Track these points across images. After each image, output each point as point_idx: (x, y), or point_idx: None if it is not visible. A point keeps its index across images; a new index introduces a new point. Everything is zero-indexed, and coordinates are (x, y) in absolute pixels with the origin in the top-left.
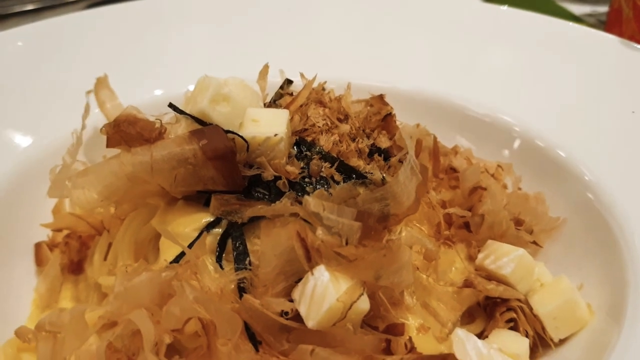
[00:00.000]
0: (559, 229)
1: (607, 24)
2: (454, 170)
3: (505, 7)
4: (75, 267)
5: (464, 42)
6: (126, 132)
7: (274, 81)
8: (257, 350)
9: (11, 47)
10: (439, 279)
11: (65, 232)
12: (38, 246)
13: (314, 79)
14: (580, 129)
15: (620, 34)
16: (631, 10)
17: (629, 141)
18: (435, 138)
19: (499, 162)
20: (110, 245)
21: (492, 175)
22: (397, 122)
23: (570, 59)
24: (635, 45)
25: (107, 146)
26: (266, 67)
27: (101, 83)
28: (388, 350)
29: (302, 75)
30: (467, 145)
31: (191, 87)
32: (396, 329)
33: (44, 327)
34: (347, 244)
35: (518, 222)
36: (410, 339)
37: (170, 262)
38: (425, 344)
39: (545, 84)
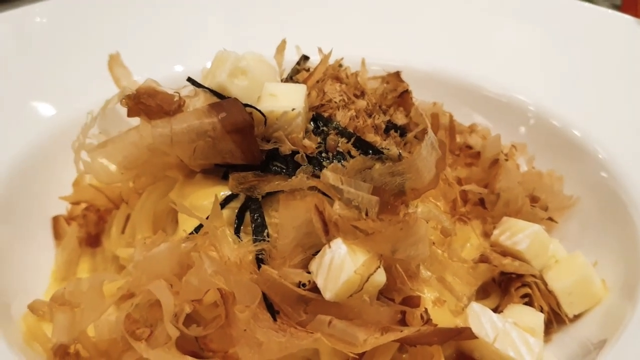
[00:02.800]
0: (573, 206)
1: (623, 6)
2: (469, 147)
3: None
4: (93, 240)
5: (480, 21)
6: (146, 104)
7: (290, 59)
8: (274, 319)
9: (36, 21)
10: (452, 256)
11: (83, 205)
12: (55, 220)
13: (330, 53)
14: (595, 108)
15: (636, 14)
16: None
17: None
18: (451, 116)
19: (513, 143)
20: (128, 218)
21: (506, 155)
22: (414, 100)
23: (586, 39)
24: None
25: (128, 116)
26: (283, 42)
27: (114, 60)
28: (404, 322)
29: (319, 49)
30: (484, 123)
31: (209, 64)
32: (412, 302)
33: (61, 299)
34: (366, 216)
35: (533, 199)
36: (426, 310)
37: (189, 234)
38: (441, 317)
39: (561, 64)
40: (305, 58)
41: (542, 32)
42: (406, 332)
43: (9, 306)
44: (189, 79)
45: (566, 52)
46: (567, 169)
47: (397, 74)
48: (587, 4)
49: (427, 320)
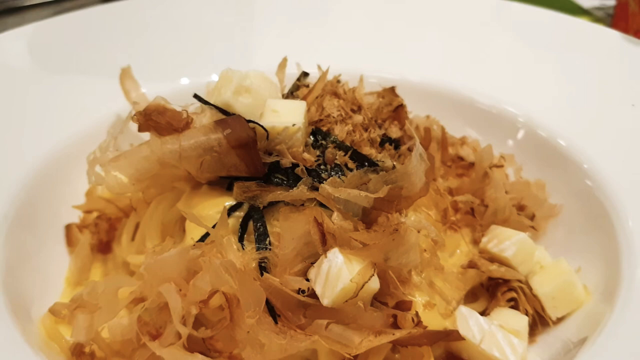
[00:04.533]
0: (558, 214)
1: (614, 18)
2: (461, 159)
3: (514, 2)
4: (104, 247)
5: (472, 35)
6: (156, 121)
7: (291, 73)
8: (276, 323)
9: (47, 36)
10: (439, 264)
11: (95, 214)
12: (68, 228)
13: (328, 71)
14: (581, 120)
15: (626, 28)
16: (637, 5)
17: (627, 133)
18: (443, 128)
19: (501, 153)
20: (137, 226)
21: (495, 166)
22: (408, 113)
23: (574, 53)
24: (637, 40)
25: (139, 131)
26: (284, 60)
27: (125, 73)
28: (396, 325)
29: (318, 67)
30: (474, 135)
31: (213, 77)
32: (404, 305)
33: (80, 300)
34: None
35: (520, 208)
36: (417, 314)
37: (197, 241)
38: (431, 320)
39: (549, 77)
40: (305, 74)
41: (532, 47)
42: (398, 334)
43: (28, 309)
44: (196, 96)
45: (555, 66)
46: (554, 178)
47: (392, 89)
48: (575, 18)
49: (418, 323)
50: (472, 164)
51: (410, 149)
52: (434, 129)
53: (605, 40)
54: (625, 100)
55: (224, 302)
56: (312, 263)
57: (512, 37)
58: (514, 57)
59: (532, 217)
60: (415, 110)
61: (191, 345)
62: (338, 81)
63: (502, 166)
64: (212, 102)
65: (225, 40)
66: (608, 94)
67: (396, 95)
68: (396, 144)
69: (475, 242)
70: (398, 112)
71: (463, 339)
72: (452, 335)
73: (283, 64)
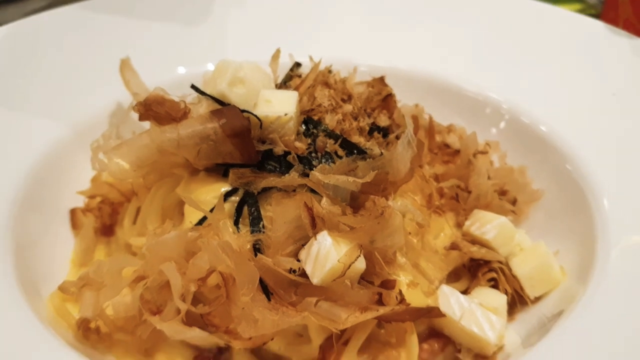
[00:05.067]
0: (539, 199)
1: (604, 7)
2: (447, 146)
3: None
4: (107, 230)
5: (459, 25)
6: (156, 111)
7: (285, 63)
8: (269, 300)
9: (47, 27)
10: (425, 248)
11: (99, 199)
12: (73, 212)
13: (319, 62)
14: (562, 107)
15: (616, 17)
16: None
17: (606, 120)
18: (430, 117)
19: (487, 141)
20: (138, 210)
21: (480, 152)
22: (397, 102)
23: (557, 43)
24: (619, 30)
25: (140, 120)
26: (278, 51)
27: (124, 64)
28: (381, 302)
29: (310, 57)
30: (460, 123)
31: (209, 66)
32: (389, 284)
33: (87, 278)
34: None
35: (502, 193)
36: (400, 292)
37: (195, 225)
38: (414, 298)
39: (533, 66)
40: (297, 65)
41: (515, 36)
42: (382, 310)
43: (37, 288)
44: (193, 87)
45: (539, 55)
46: (537, 163)
47: (381, 79)
48: (557, 8)
49: (401, 300)
50: (458, 151)
51: (398, 137)
52: (424, 118)
53: (588, 30)
54: (606, 89)
55: (221, 281)
56: (303, 245)
57: (498, 27)
58: (497, 45)
59: (514, 202)
60: (404, 99)
61: (190, 321)
62: (329, 71)
63: (486, 153)
64: (208, 92)
65: (220, 31)
66: (590, 83)
67: (385, 85)
68: (384, 132)
69: (459, 225)
70: (387, 101)
71: (444, 315)
72: (434, 312)
73: (276, 55)
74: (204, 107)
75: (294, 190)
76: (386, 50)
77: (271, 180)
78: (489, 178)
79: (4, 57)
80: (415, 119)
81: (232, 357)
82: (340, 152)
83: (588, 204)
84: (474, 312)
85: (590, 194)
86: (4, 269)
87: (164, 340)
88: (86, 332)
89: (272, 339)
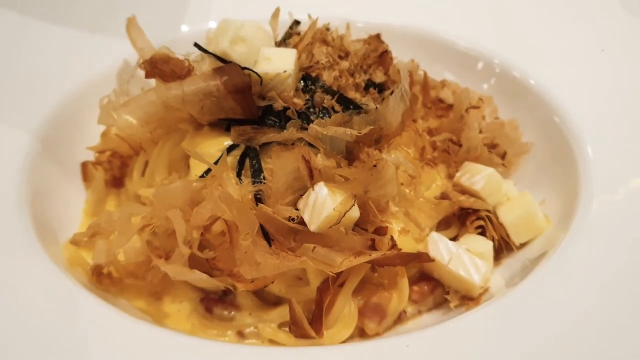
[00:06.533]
0: (528, 152)
1: None
2: (441, 101)
3: None
4: (117, 182)
5: None
6: (161, 69)
7: (284, 20)
8: (270, 245)
9: None
10: (417, 196)
11: (108, 153)
12: (84, 165)
13: (317, 20)
14: (551, 62)
15: None
16: None
17: (594, 74)
18: (425, 72)
19: (480, 95)
20: (146, 163)
21: (473, 107)
22: (394, 59)
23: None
24: None
25: (146, 77)
26: (277, 10)
27: (131, 22)
28: (374, 248)
29: (309, 16)
30: (454, 78)
31: (211, 24)
32: (381, 231)
33: (97, 227)
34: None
35: (492, 146)
36: (392, 238)
37: (200, 176)
38: (405, 244)
39: (524, 21)
40: (296, 23)
41: None
42: (374, 255)
43: (54, 235)
44: (196, 45)
45: (530, 11)
46: (525, 116)
47: (377, 36)
48: None
49: (393, 246)
50: (451, 106)
51: (392, 93)
52: (418, 74)
53: None
54: (595, 45)
55: (225, 228)
56: (301, 195)
57: None
58: (490, 3)
59: (503, 155)
60: (400, 56)
61: (197, 266)
62: (327, 29)
63: (479, 107)
64: (210, 50)
65: None
66: (580, 39)
67: (381, 42)
68: (380, 88)
69: (450, 177)
70: (383, 57)
71: (433, 260)
72: (423, 257)
73: (276, 14)
74: (206, 65)
75: (293, 144)
76: (382, 7)
77: (271, 136)
78: (480, 132)
79: (17, 15)
80: (410, 74)
81: (236, 299)
82: (337, 107)
83: (573, 155)
84: (461, 257)
85: (575, 143)
86: (22, 219)
87: (172, 284)
88: (99, 277)
89: (273, 282)
